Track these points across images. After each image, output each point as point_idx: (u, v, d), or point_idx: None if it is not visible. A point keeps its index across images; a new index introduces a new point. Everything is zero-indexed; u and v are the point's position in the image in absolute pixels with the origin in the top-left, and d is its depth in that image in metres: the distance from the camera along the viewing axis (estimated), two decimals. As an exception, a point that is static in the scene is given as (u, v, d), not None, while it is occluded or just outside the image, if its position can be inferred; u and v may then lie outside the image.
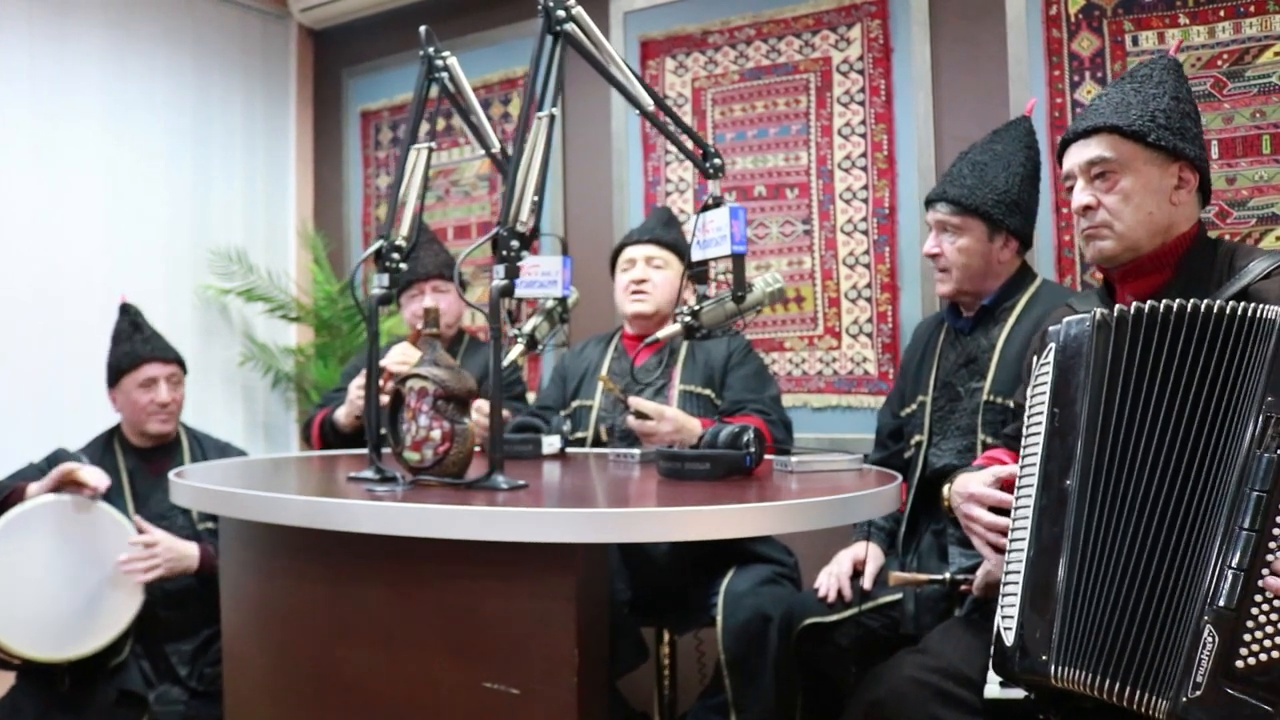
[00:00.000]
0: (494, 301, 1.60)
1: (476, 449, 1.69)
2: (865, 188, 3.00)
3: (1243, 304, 1.34)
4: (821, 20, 3.08)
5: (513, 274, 1.60)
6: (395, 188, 1.85)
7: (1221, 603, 1.22)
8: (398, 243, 1.81)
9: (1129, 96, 1.66)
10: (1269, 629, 1.19)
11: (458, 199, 3.88)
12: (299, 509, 1.45)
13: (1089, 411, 1.39)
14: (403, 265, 1.81)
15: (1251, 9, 2.46)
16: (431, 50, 1.89)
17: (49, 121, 3.42)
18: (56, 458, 2.47)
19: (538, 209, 1.62)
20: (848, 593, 2.10)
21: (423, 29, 1.89)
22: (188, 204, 3.84)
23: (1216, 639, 1.21)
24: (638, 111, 1.86)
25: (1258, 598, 1.21)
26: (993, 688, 1.50)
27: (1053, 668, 1.32)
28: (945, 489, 1.74)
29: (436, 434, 1.60)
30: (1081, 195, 1.66)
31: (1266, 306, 1.32)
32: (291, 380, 4.04)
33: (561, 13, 1.69)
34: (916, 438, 2.17)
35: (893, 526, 2.23)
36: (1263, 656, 1.19)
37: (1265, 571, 1.21)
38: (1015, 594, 1.40)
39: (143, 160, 3.70)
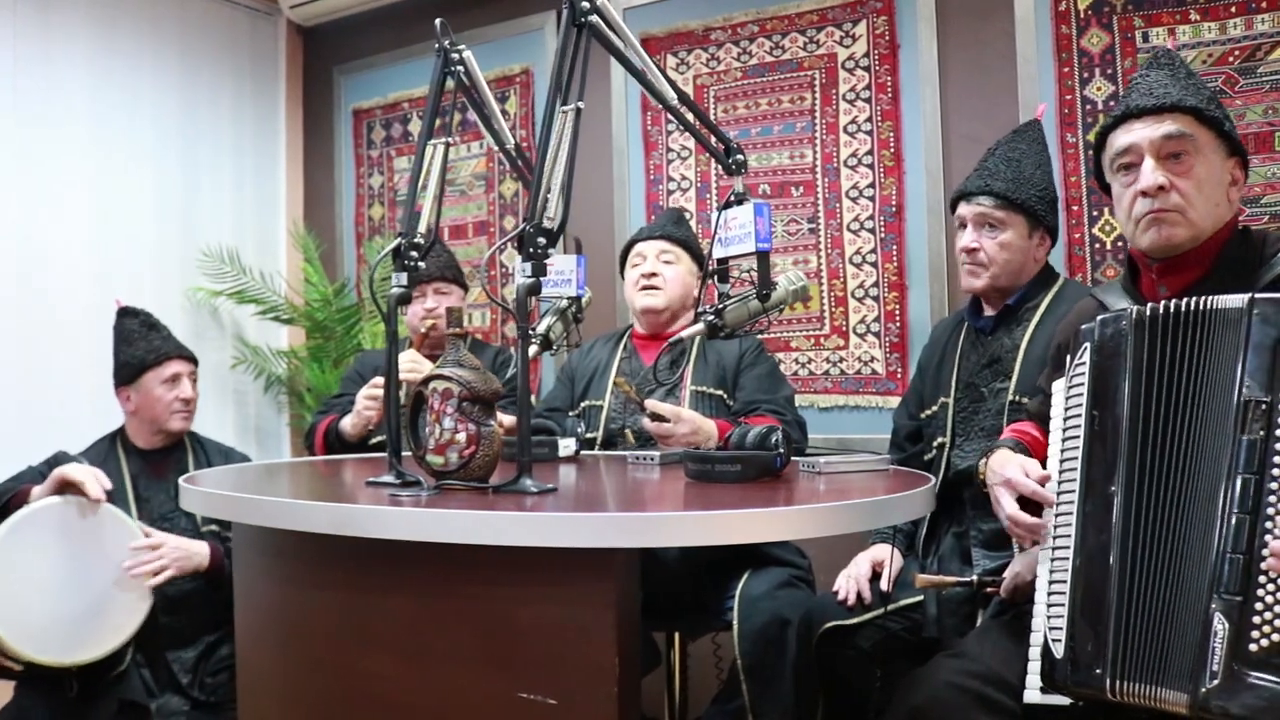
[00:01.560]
0: (521, 300, 1.55)
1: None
2: (872, 185, 2.98)
3: (1216, 298, 1.33)
4: (826, 16, 3.05)
5: (539, 272, 1.56)
6: (413, 184, 1.80)
7: (1227, 589, 1.23)
8: (416, 240, 1.76)
9: (1183, 81, 1.57)
10: (1277, 608, 1.20)
11: (453, 198, 3.83)
12: (326, 515, 1.40)
13: (1130, 414, 1.37)
14: (421, 264, 1.76)
15: (1264, 4, 2.45)
16: (447, 43, 1.84)
17: (34, 121, 3.34)
18: (57, 460, 2.41)
19: (566, 205, 1.58)
20: (867, 595, 2.08)
21: (438, 22, 1.84)
22: (176, 204, 3.77)
23: (1227, 626, 1.22)
24: (660, 105, 1.82)
25: (1261, 579, 1.21)
26: (1033, 693, 1.48)
27: (1109, 681, 1.29)
28: (981, 463, 1.72)
29: (462, 437, 1.55)
30: (1155, 174, 1.52)
31: (1228, 298, 1.32)
32: (284, 383, 3.98)
33: (586, 4, 1.65)
34: (939, 439, 2.13)
35: (910, 528, 2.20)
36: (1275, 636, 1.19)
37: (1265, 552, 1.21)
38: (1063, 604, 1.38)
39: (130, 160, 3.62)
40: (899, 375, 2.92)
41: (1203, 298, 1.35)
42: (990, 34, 2.82)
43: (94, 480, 2.27)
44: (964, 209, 2.10)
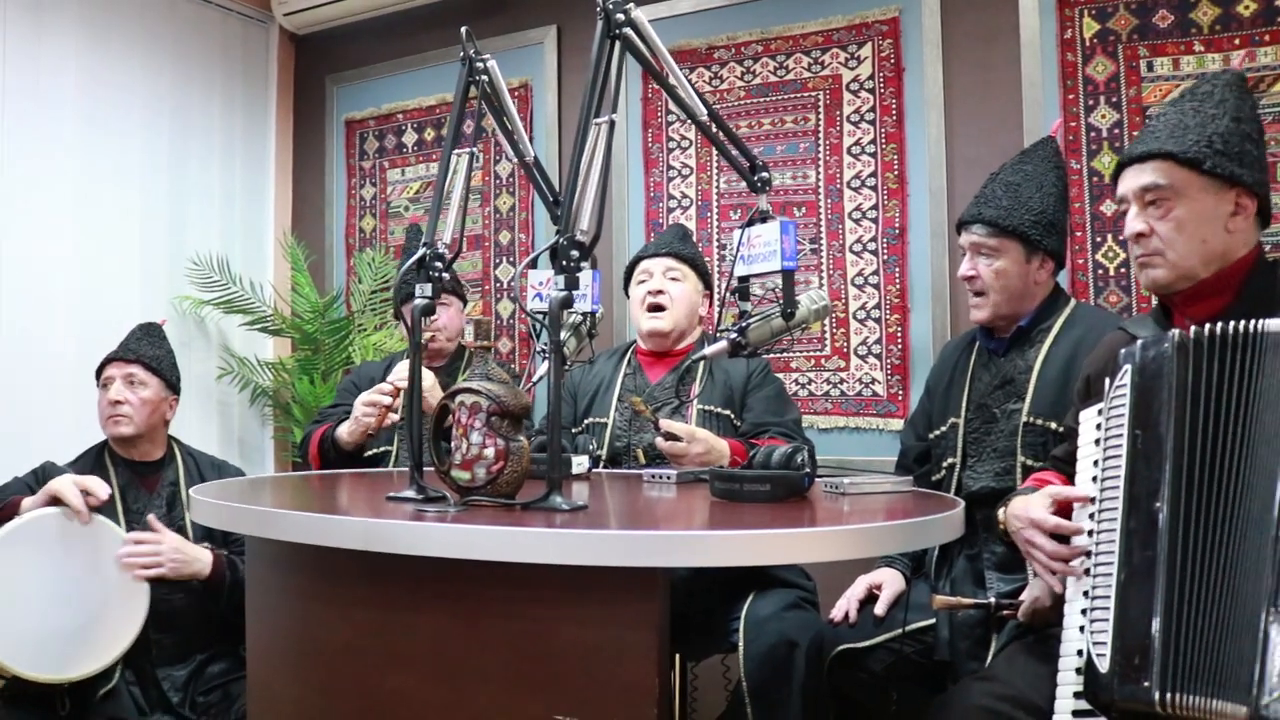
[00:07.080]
0: (554, 314, 1.53)
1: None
2: (875, 207, 2.99)
3: (1264, 321, 1.34)
4: (831, 38, 3.06)
5: (572, 285, 1.53)
6: (437, 194, 1.78)
7: None
8: (440, 251, 1.73)
9: (1187, 119, 1.62)
10: None
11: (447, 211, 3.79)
12: (359, 530, 1.36)
13: (1175, 433, 1.38)
14: (445, 274, 1.73)
15: (1266, 38, 2.49)
16: (472, 52, 1.82)
17: (21, 125, 3.28)
18: (45, 471, 2.32)
19: (599, 218, 1.56)
20: (854, 615, 2.08)
21: (464, 30, 1.83)
22: (164, 212, 3.71)
23: None
24: (689, 120, 1.81)
25: None
26: (1062, 717, 1.47)
27: (1157, 694, 1.29)
28: (1000, 512, 1.71)
29: (490, 452, 1.52)
30: (1135, 222, 1.63)
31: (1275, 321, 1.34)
32: (269, 396, 3.91)
33: (620, 16, 1.64)
34: (949, 460, 2.13)
35: (919, 552, 2.20)
36: None
37: None
38: (1107, 619, 1.37)
39: (118, 165, 3.57)
40: (900, 397, 2.92)
41: (1252, 321, 1.36)
42: (996, 59, 2.84)
43: (78, 496, 2.15)
44: (962, 238, 2.14)
